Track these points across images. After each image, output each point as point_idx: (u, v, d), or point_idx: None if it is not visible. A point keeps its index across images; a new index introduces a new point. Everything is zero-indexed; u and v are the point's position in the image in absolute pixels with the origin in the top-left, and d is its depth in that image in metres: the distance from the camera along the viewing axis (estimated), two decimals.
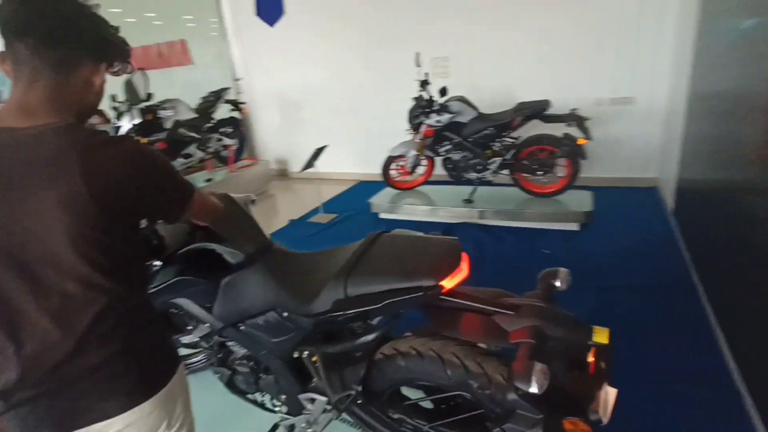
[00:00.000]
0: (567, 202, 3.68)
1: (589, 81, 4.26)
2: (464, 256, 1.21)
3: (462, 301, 1.17)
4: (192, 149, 4.86)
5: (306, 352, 1.39)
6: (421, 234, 1.39)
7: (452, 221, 3.87)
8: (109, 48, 0.90)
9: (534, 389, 0.88)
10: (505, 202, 3.84)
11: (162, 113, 4.62)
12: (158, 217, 1.03)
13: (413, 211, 4.09)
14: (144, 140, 4.40)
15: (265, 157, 6.25)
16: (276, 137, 6.29)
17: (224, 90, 5.25)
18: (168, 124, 4.62)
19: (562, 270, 1.21)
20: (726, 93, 2.33)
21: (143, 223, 1.30)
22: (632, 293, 2.59)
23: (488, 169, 3.83)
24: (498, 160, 3.77)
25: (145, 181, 0.86)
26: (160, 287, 1.45)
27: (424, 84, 3.86)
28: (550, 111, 3.60)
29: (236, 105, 5.36)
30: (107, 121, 6.77)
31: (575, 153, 3.46)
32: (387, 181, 4.32)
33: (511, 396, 1.05)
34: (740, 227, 1.96)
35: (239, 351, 1.57)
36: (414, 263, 1.20)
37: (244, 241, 1.38)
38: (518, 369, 0.92)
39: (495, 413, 1.12)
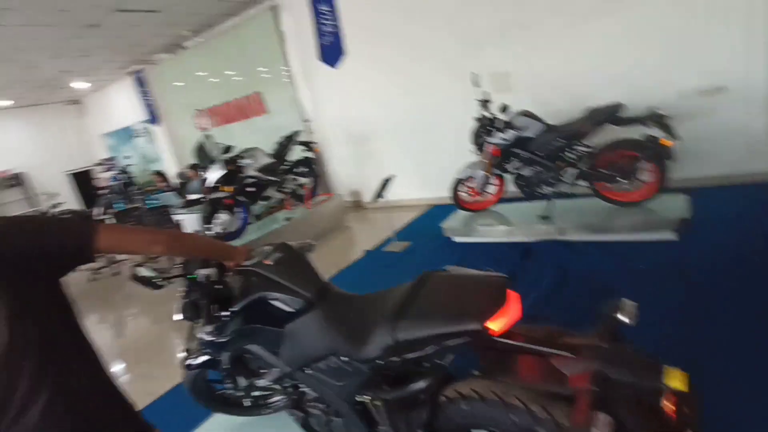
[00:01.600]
0: (659, 209, 3.34)
1: (669, 74, 3.89)
2: (513, 294, 1.15)
3: (514, 343, 1.10)
4: (271, 192, 5.23)
5: (367, 397, 1.40)
6: (470, 272, 1.36)
7: (531, 240, 3.69)
8: None
9: None
10: (586, 215, 3.59)
11: (242, 162, 5.04)
12: (68, 258, 0.99)
13: (488, 232, 3.97)
14: (230, 189, 4.83)
15: (339, 191, 6.51)
16: (347, 171, 6.54)
17: (295, 133, 5.60)
18: (249, 172, 5.02)
19: (628, 302, 1.08)
20: None
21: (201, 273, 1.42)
22: (747, 317, 2.21)
23: (563, 182, 3.62)
24: (573, 171, 3.56)
25: (29, 235, 0.92)
26: (231, 336, 1.55)
27: (485, 103, 3.81)
28: (625, 113, 3.34)
29: (308, 145, 5.69)
30: (167, 183, 7.61)
31: (659, 155, 3.15)
32: (458, 203, 4.27)
33: None
34: None
35: (311, 393, 1.61)
36: (459, 306, 1.17)
37: (301, 287, 1.46)
38: (578, 421, 0.84)
39: None
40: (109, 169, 10.29)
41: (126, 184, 8.95)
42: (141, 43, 7.14)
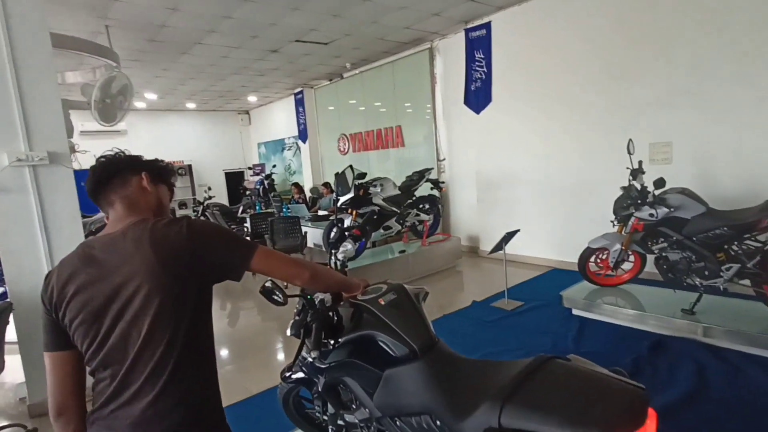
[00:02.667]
0: None
1: None
2: (652, 413, 1.01)
3: None
4: (392, 222, 5.42)
5: None
6: (601, 371, 1.20)
7: (665, 333, 3.25)
8: (140, 166, 1.20)
9: None
10: (744, 320, 3.04)
11: (372, 189, 5.33)
12: (222, 272, 1.13)
13: (614, 312, 3.59)
14: (355, 213, 5.13)
15: (458, 233, 6.49)
16: (470, 216, 6.50)
17: (427, 170, 5.77)
18: (376, 199, 5.29)
19: None
20: None
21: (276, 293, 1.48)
22: None
23: (721, 277, 3.14)
24: (735, 266, 3.07)
25: (199, 244, 1.06)
26: (332, 364, 1.57)
27: (636, 173, 3.51)
28: None
29: (436, 184, 5.82)
30: (302, 194, 8.29)
31: None
32: (585, 273, 3.94)
33: None
34: None
35: None
36: (585, 410, 1.04)
37: (410, 335, 1.43)
38: None
39: None
40: (257, 174, 11.77)
41: (267, 190, 10.08)
42: (308, 69, 8.11)
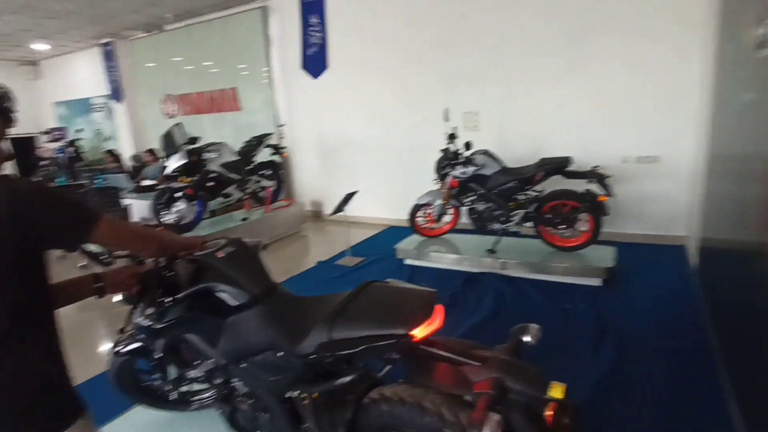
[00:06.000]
0: (590, 257, 3.70)
1: (616, 139, 4.37)
2: (439, 308, 1.34)
3: (435, 351, 1.28)
4: (232, 189, 5.22)
5: (297, 392, 1.49)
6: (406, 285, 1.52)
7: (475, 270, 3.95)
8: None
9: None
10: (528, 254, 3.90)
11: (206, 155, 5.01)
12: (54, 241, 1.02)
13: (438, 258, 4.20)
14: (188, 179, 4.80)
15: (301, 199, 6.58)
16: (313, 180, 6.64)
17: (266, 135, 5.65)
18: (212, 166, 5.00)
19: (533, 326, 1.32)
20: (739, 155, 2.40)
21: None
22: (648, 355, 2.56)
23: (511, 221, 3.93)
24: (521, 212, 3.88)
25: (25, 212, 0.93)
26: (171, 322, 1.56)
27: (452, 137, 4.08)
28: (573, 167, 3.71)
29: (277, 149, 5.75)
30: (119, 163, 7.43)
31: (596, 209, 3.53)
32: (414, 228, 4.48)
33: None
34: (760, 294, 1.96)
35: (241, 389, 1.67)
36: (390, 312, 1.33)
37: (249, 283, 1.53)
38: (474, 419, 1.01)
39: None
40: (56, 140, 9.76)
41: (73, 159, 8.51)
42: (117, 16, 6.97)
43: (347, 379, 1.42)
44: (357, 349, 1.28)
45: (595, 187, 3.55)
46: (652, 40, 4.08)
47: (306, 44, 6.08)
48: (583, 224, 3.69)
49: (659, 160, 4.24)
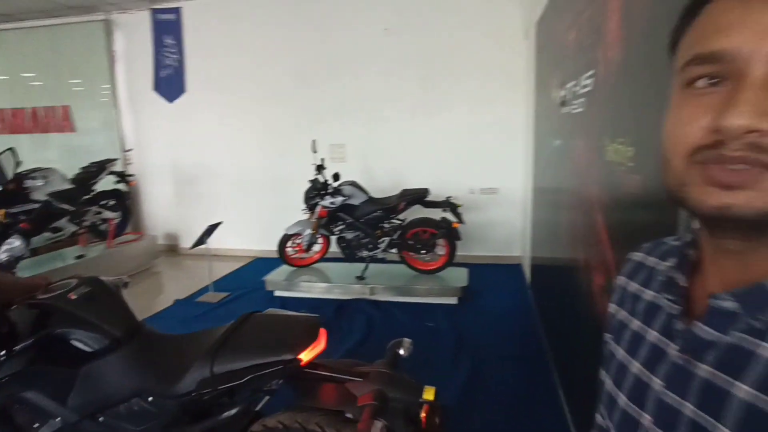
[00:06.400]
0: (447, 279, 4.09)
1: (464, 173, 4.97)
2: (322, 331, 1.40)
3: (320, 372, 1.34)
4: (63, 222, 4.47)
5: None
6: (288, 313, 1.56)
7: (345, 297, 4.03)
8: None
9: None
10: (394, 279, 4.13)
11: (29, 183, 4.24)
12: None
13: (309, 288, 4.18)
14: (3, 212, 3.99)
15: (153, 232, 5.92)
16: (167, 212, 6.05)
17: (110, 161, 5.01)
18: (38, 195, 4.24)
19: (406, 340, 1.46)
20: (552, 188, 2.97)
21: None
22: (497, 361, 2.94)
23: (378, 248, 4.14)
24: (387, 239, 4.12)
25: None
26: (3, 380, 1.33)
27: (320, 168, 4.17)
28: (430, 197, 4.10)
29: (123, 177, 5.12)
30: None
31: (451, 234, 3.94)
32: (283, 258, 4.40)
33: None
34: (564, 300, 2.42)
35: None
36: (276, 340, 1.36)
37: (109, 325, 1.39)
38: (361, 427, 1.09)
39: None
40: None
41: None
42: None
43: (231, 413, 1.36)
44: (244, 380, 1.26)
45: (449, 215, 3.97)
46: (487, 89, 4.80)
47: (159, 65, 5.65)
48: (441, 249, 4.08)
49: (498, 191, 4.95)
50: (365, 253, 4.18)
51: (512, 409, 2.43)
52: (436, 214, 4.03)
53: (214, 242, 4.31)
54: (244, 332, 1.39)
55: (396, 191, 4.21)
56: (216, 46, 5.45)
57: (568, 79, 2.41)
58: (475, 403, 2.48)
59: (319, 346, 1.36)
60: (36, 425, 1.50)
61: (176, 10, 5.50)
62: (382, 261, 4.27)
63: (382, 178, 5.07)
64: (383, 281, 4.09)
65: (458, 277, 4.09)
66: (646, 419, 0.46)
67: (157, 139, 5.91)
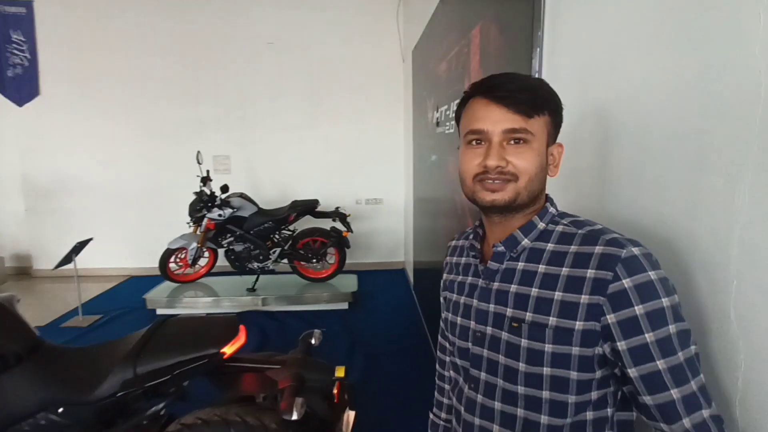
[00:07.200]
0: (338, 285, 4.30)
1: (350, 184, 5.25)
2: (242, 327, 1.53)
3: (241, 364, 1.45)
4: None
5: None
6: (203, 315, 1.67)
7: (237, 310, 3.99)
8: None
9: (294, 417, 1.22)
10: (285, 289, 4.21)
11: None
12: None
13: (195, 303, 4.04)
14: None
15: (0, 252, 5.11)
16: (15, 230, 5.27)
17: None
18: None
19: (316, 331, 1.68)
20: (427, 198, 3.39)
21: None
22: (390, 353, 3.24)
23: (269, 259, 4.19)
24: (278, 250, 4.19)
25: None
26: None
27: (206, 180, 4.09)
28: (320, 208, 4.28)
29: None
30: None
31: (341, 243, 4.17)
32: (165, 274, 4.18)
33: None
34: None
35: None
36: (198, 337, 1.45)
37: (8, 340, 1.36)
38: (283, 406, 1.25)
39: None
40: None
41: None
42: None
43: (155, 408, 1.40)
44: (170, 375, 1.32)
45: (338, 225, 4.20)
46: (370, 105, 5.17)
47: (5, 63, 4.95)
48: (331, 257, 4.29)
49: (383, 201, 5.33)
50: (256, 265, 4.19)
51: (402, 386, 2.78)
52: (326, 224, 4.23)
53: (82, 261, 3.93)
54: (162, 334, 1.45)
55: (284, 203, 4.31)
56: (78, 45, 4.97)
57: (442, 104, 2.83)
58: (371, 385, 2.79)
59: (239, 341, 1.47)
60: None
61: (27, 4, 4.90)
62: (273, 272, 4.32)
63: (270, 190, 5.12)
64: (275, 291, 4.15)
65: (348, 283, 4.34)
66: (472, 324, 0.82)
67: (2, 148, 5.15)
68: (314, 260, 4.24)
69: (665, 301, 0.65)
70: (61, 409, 1.33)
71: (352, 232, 4.23)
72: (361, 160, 5.25)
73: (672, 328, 0.65)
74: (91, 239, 3.94)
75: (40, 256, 5.18)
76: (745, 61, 0.69)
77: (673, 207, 0.85)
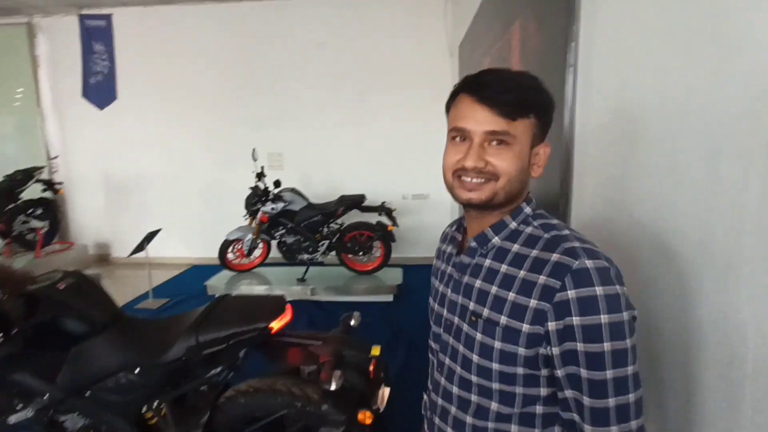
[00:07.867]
0: (383, 278, 4.42)
1: (397, 180, 5.35)
2: (288, 306, 1.67)
3: (288, 339, 1.60)
4: None
5: (156, 403, 1.59)
6: (256, 294, 1.85)
7: (288, 299, 4.21)
8: None
9: (333, 387, 1.35)
10: (333, 280, 4.40)
11: None
12: None
13: (250, 291, 4.32)
14: None
15: (83, 241, 5.73)
16: (98, 221, 5.87)
17: (36, 169, 4.86)
18: None
19: (356, 312, 1.79)
20: None
21: None
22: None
23: (318, 251, 4.39)
24: (326, 242, 4.38)
25: None
26: None
27: (260, 176, 4.36)
28: (366, 203, 4.42)
29: (50, 185, 4.97)
30: None
31: (386, 237, 4.29)
32: (224, 263, 4.51)
33: (324, 407, 1.48)
34: None
35: (72, 426, 1.62)
36: (249, 313, 1.63)
37: (96, 310, 1.59)
38: (324, 377, 1.38)
39: (314, 423, 1.53)
40: None
41: None
42: None
43: (214, 372, 1.59)
44: (226, 344, 1.51)
45: (384, 219, 4.32)
46: (418, 102, 5.23)
47: (89, 71, 5.51)
48: (377, 250, 4.42)
49: (428, 197, 5.39)
50: (305, 256, 4.41)
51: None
52: (372, 218, 4.37)
53: (151, 250, 4.33)
54: (220, 309, 1.65)
55: (332, 197, 4.49)
56: (149, 53, 5.45)
57: None
58: (409, 369, 2.88)
59: (286, 318, 1.64)
60: (19, 406, 1.64)
61: (107, 17, 5.42)
62: (322, 264, 4.53)
63: (319, 185, 5.33)
64: (323, 282, 4.35)
65: (393, 276, 4.45)
66: (444, 312, 0.88)
67: (85, 147, 5.75)
68: (360, 253, 4.39)
69: (604, 318, 0.66)
70: (137, 370, 1.55)
71: (397, 226, 4.33)
72: (408, 156, 5.33)
73: (606, 346, 0.66)
74: (160, 230, 4.33)
75: (117, 245, 5.75)
76: None
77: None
